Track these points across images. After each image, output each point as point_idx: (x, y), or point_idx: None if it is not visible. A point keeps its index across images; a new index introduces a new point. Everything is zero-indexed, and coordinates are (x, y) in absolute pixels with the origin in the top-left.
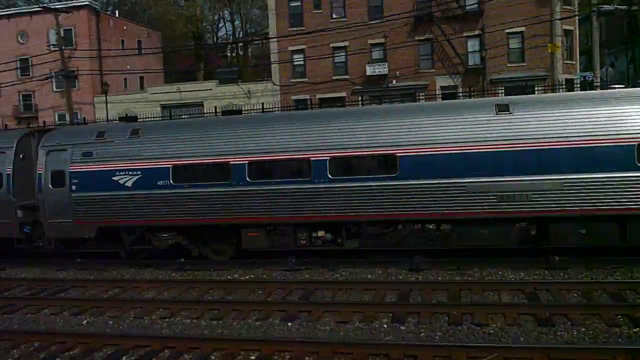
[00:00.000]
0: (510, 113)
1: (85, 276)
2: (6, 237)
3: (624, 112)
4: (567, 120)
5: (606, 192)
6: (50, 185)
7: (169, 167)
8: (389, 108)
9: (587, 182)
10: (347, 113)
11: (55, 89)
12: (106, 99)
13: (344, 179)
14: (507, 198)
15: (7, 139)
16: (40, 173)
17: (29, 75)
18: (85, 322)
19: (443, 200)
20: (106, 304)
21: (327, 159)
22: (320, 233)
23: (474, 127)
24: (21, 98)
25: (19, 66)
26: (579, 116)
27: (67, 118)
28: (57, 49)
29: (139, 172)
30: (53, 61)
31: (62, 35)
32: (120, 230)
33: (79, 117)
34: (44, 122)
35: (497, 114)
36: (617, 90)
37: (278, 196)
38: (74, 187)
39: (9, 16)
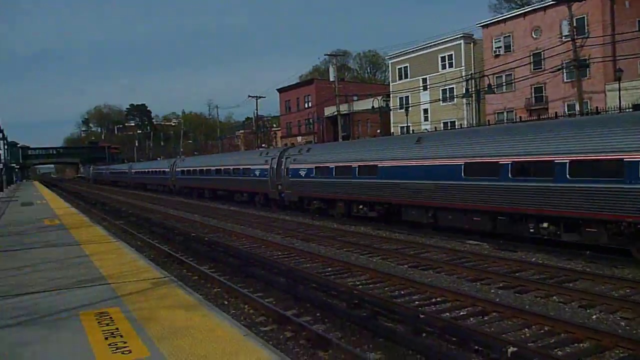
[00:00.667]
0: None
1: (594, 270)
2: (272, 197)
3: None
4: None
5: (448, 192)
6: (285, 175)
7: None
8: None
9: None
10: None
11: (565, 80)
12: (619, 86)
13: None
14: None
15: (273, 153)
16: (282, 169)
17: (541, 68)
18: (594, 317)
19: None
20: (616, 302)
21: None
22: (545, 224)
23: None
24: (533, 91)
25: (532, 60)
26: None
27: (577, 108)
28: (569, 39)
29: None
30: (564, 52)
31: (574, 24)
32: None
33: (589, 106)
34: (555, 113)
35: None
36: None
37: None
38: (291, 175)
39: (524, 14)
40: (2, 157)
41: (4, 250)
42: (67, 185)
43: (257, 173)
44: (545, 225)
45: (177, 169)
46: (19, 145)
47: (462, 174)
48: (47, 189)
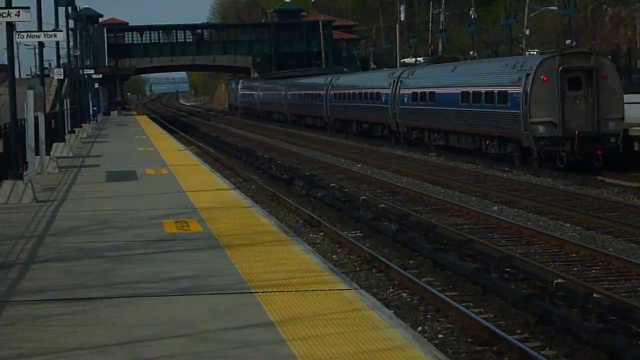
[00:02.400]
0: None
1: None
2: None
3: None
4: None
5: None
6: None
7: None
8: None
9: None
10: None
11: None
12: None
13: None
14: None
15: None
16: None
17: None
18: None
19: None
20: None
21: None
22: None
23: None
24: None
25: None
26: None
27: None
28: None
29: None
30: None
31: None
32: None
33: None
34: None
35: None
36: None
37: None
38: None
39: None
40: (68, 49)
41: None
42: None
43: (382, 99)
44: None
45: (331, 92)
46: (101, 21)
47: None
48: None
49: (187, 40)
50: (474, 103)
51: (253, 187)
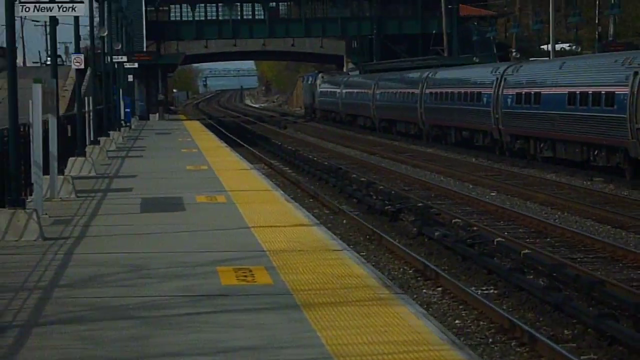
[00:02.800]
0: None
1: None
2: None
3: None
4: None
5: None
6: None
7: None
8: None
9: None
10: None
11: None
12: None
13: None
14: None
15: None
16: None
17: None
18: None
19: None
20: None
21: None
22: None
23: None
24: None
25: None
26: None
27: None
28: None
29: None
30: None
31: None
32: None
33: None
34: None
35: None
36: None
37: None
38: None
39: None
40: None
41: None
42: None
43: (484, 100)
44: None
45: (426, 90)
46: None
47: None
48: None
49: (257, 17)
50: (581, 106)
51: (344, 222)
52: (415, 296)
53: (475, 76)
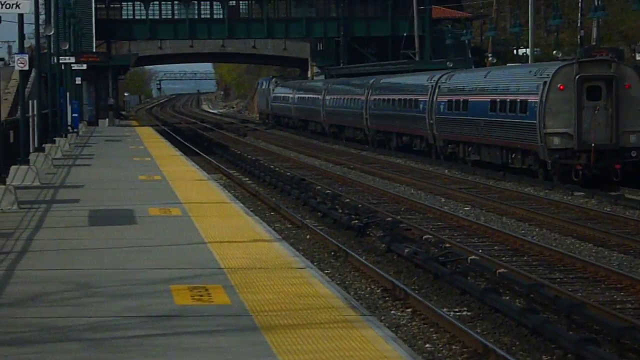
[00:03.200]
0: None
1: None
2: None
3: None
4: None
5: None
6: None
7: None
8: None
9: None
10: None
11: None
12: None
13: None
14: None
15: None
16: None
17: None
18: None
19: None
20: None
21: None
22: None
23: None
24: None
25: None
26: None
27: None
28: None
29: None
30: None
31: None
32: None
33: None
34: None
35: None
36: None
37: None
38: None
39: None
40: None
41: None
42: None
43: (421, 107)
44: None
45: (371, 97)
46: None
47: None
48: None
49: (216, 16)
50: (501, 113)
51: (308, 237)
52: (383, 317)
53: (414, 83)
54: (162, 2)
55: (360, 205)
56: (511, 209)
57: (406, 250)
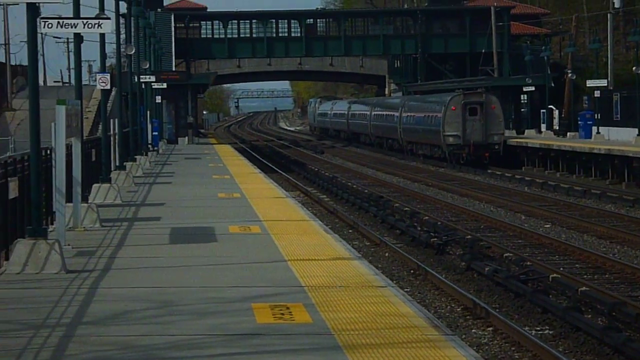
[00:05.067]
0: None
1: None
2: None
3: None
4: None
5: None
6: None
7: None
8: None
9: None
10: None
11: None
12: None
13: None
14: None
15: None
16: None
17: None
18: None
19: None
20: None
21: None
22: None
23: None
24: None
25: None
26: None
27: None
28: None
29: None
30: None
31: None
32: None
33: None
34: None
35: None
36: None
37: None
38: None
39: None
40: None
41: None
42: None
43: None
44: None
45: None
46: (167, 5)
47: None
48: None
49: (293, 34)
50: (427, 124)
51: (387, 255)
52: (464, 336)
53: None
54: (241, 21)
55: (439, 223)
56: (592, 226)
57: (487, 269)
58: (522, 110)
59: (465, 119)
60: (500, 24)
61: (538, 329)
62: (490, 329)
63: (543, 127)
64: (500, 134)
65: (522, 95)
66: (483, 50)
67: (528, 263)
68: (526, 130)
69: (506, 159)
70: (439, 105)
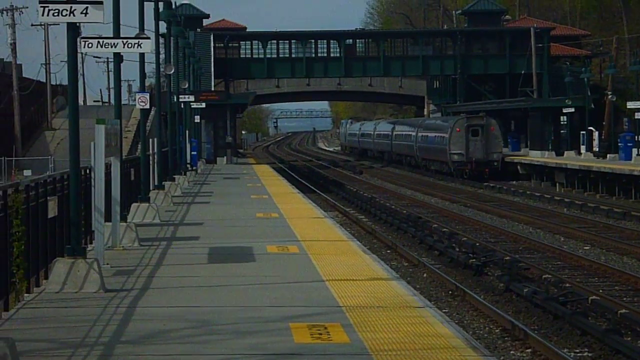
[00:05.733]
0: None
1: None
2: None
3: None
4: None
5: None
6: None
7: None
8: None
9: None
10: None
11: None
12: None
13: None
14: None
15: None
16: None
17: None
18: None
19: None
20: None
21: None
22: None
23: None
24: None
25: None
26: None
27: None
28: None
29: None
30: None
31: None
32: None
33: None
34: None
35: None
36: None
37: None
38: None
39: None
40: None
41: None
42: None
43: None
44: None
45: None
46: (206, 25)
47: None
48: None
49: (332, 54)
50: (435, 143)
51: (425, 276)
52: (502, 357)
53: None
54: (280, 41)
55: (477, 244)
56: (632, 248)
57: (525, 290)
58: (562, 131)
59: (468, 139)
60: (540, 45)
61: (577, 351)
62: (529, 350)
63: (583, 148)
64: (499, 152)
65: (561, 117)
66: (522, 72)
67: (567, 285)
68: (566, 152)
69: (503, 173)
70: (445, 127)
